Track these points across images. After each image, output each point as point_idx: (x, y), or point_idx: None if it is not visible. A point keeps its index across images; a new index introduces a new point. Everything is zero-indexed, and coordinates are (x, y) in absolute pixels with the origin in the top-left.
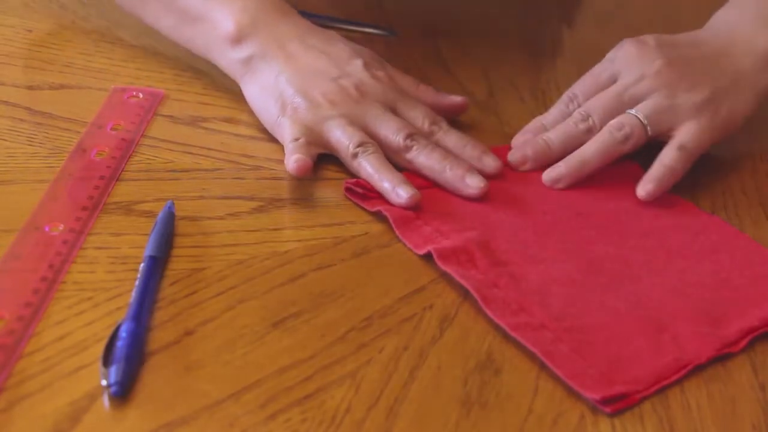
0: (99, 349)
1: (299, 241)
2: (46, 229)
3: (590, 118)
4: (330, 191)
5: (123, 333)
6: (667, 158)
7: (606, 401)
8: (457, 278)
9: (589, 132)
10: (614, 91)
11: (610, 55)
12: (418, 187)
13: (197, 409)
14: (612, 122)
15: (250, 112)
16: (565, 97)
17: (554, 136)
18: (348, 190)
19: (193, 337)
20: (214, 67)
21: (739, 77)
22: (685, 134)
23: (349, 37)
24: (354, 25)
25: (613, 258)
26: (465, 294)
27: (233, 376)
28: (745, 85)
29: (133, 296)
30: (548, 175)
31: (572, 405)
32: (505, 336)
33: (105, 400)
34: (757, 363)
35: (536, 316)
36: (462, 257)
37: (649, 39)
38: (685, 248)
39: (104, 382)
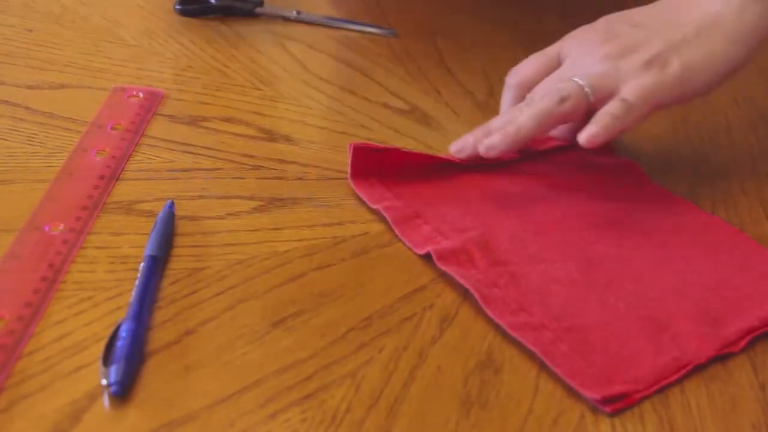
0: (99, 348)
1: (299, 241)
2: (46, 228)
3: (532, 100)
4: (330, 191)
5: (123, 333)
6: (609, 106)
7: (606, 401)
8: (457, 278)
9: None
10: (556, 73)
11: (559, 42)
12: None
13: (197, 409)
14: (550, 89)
15: (250, 112)
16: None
17: (496, 121)
18: (353, 176)
19: (193, 336)
20: (215, 67)
21: (706, 25)
22: (626, 90)
23: (349, 37)
24: (354, 25)
25: (613, 258)
26: (465, 294)
27: (233, 376)
28: (714, 31)
29: (133, 296)
30: (484, 144)
31: (572, 405)
32: (505, 336)
33: (105, 400)
34: (757, 363)
35: (536, 315)
36: (461, 257)
37: (601, 20)
38: (685, 248)
39: (104, 382)
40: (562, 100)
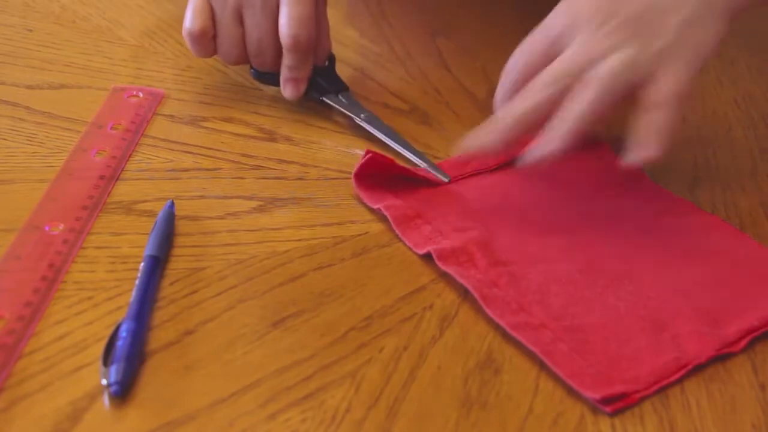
0: (99, 348)
1: (299, 241)
2: (47, 228)
3: (561, 81)
4: (330, 191)
5: (123, 332)
6: (653, 116)
7: (606, 401)
8: (457, 278)
9: (563, 94)
10: (567, 59)
11: (547, 21)
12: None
13: (197, 409)
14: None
15: (250, 112)
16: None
17: (504, 113)
18: (356, 176)
19: (193, 336)
20: (215, 66)
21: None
22: (662, 84)
23: (348, 36)
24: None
25: (613, 258)
26: (465, 294)
27: (233, 376)
28: (710, 7)
29: (133, 296)
30: (538, 149)
31: (572, 405)
32: (505, 335)
33: (105, 400)
34: (757, 363)
35: (536, 315)
36: (462, 257)
37: None
38: (685, 248)
39: (104, 382)
40: (620, 85)
